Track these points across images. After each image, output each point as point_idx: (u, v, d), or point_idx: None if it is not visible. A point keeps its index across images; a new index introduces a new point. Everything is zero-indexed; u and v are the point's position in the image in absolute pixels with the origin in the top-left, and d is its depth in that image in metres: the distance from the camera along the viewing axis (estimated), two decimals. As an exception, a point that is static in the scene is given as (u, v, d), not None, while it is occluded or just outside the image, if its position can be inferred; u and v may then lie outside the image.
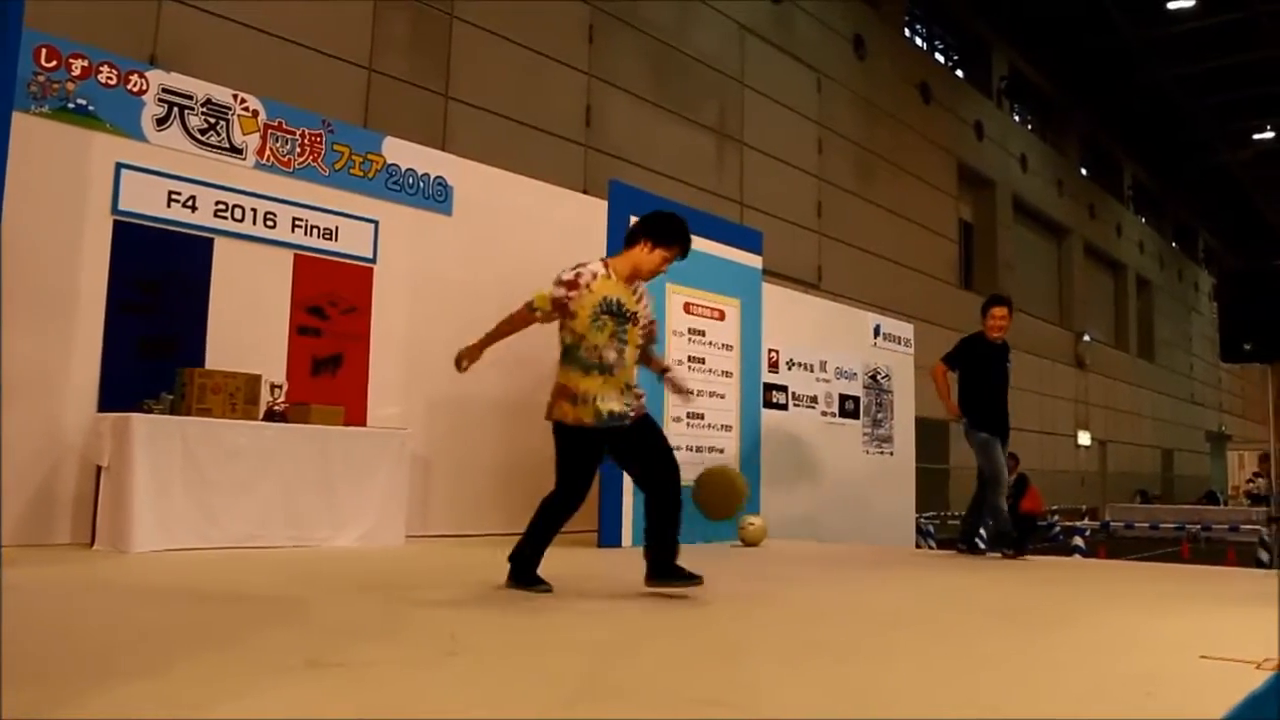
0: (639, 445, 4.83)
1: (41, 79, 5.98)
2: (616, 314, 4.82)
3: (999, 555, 7.75)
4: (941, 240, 24.54)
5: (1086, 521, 20.82)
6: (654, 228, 5.00)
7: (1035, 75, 30.18)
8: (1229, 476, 37.02)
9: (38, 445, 5.85)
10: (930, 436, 19.50)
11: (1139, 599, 5.50)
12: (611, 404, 4.72)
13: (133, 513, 5.64)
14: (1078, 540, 16.58)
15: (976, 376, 7.99)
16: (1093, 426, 32.06)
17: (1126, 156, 37.81)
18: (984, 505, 7.90)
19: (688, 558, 4.67)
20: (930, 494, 19.13)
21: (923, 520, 15.45)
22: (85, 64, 6.18)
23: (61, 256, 6.07)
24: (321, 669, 2.90)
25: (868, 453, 11.62)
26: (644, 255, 4.97)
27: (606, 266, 4.92)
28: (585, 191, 10.70)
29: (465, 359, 4.92)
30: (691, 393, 5.55)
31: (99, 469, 5.86)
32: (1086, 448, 31.23)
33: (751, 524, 7.95)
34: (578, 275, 4.83)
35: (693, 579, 4.59)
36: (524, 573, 4.71)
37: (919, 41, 25.10)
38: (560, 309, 4.81)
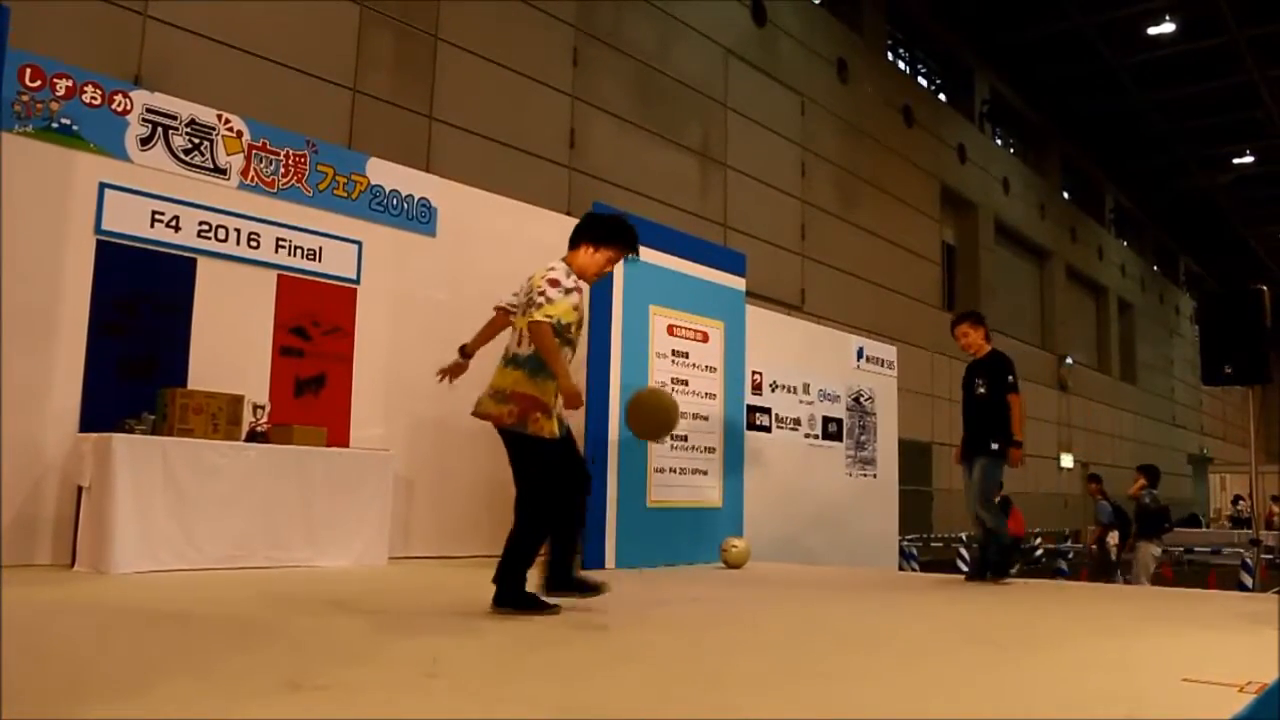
0: (568, 453, 4.85)
1: (26, 98, 5.97)
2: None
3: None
4: (924, 262, 24.63)
5: (1069, 544, 20.88)
6: (593, 229, 4.96)
7: (1017, 99, 30.39)
8: (1211, 499, 37.08)
9: (19, 465, 5.80)
10: (913, 459, 19.55)
11: (1121, 621, 5.52)
12: (559, 410, 4.75)
13: (114, 533, 5.61)
14: (1060, 563, 16.63)
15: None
16: (1075, 449, 32.14)
17: (1108, 180, 38.07)
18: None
19: (671, 579, 4.67)
20: (914, 516, 19.13)
21: (906, 543, 15.45)
22: (70, 84, 6.18)
23: (44, 276, 6.04)
24: (302, 691, 2.88)
25: (851, 475, 11.62)
26: (588, 257, 4.93)
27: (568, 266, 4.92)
28: (569, 213, 10.67)
29: (574, 397, 4.66)
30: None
31: (80, 489, 5.83)
32: (1069, 470, 31.28)
33: (735, 546, 7.95)
34: (577, 282, 4.81)
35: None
36: (523, 594, 4.63)
37: (901, 65, 25.25)
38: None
